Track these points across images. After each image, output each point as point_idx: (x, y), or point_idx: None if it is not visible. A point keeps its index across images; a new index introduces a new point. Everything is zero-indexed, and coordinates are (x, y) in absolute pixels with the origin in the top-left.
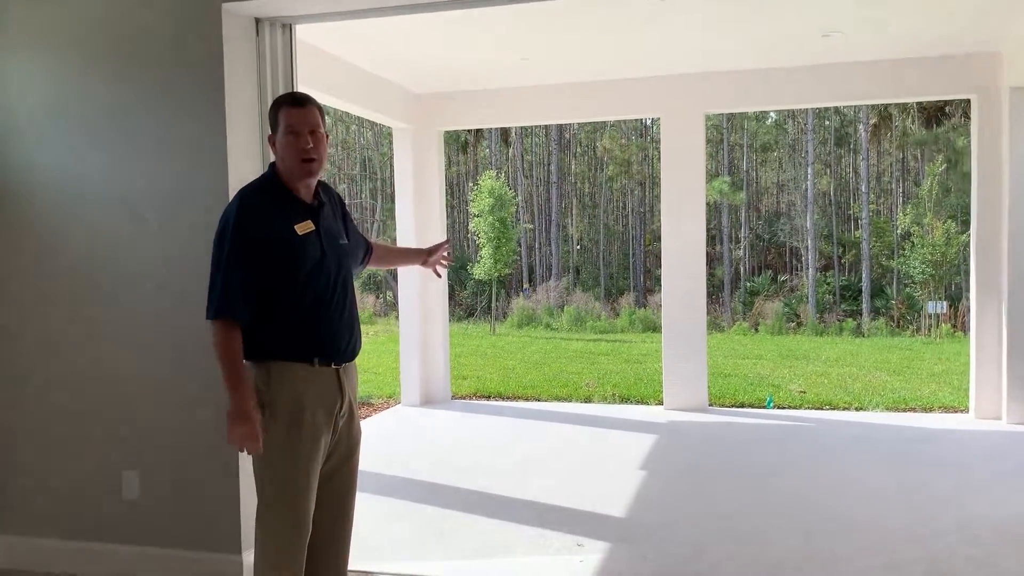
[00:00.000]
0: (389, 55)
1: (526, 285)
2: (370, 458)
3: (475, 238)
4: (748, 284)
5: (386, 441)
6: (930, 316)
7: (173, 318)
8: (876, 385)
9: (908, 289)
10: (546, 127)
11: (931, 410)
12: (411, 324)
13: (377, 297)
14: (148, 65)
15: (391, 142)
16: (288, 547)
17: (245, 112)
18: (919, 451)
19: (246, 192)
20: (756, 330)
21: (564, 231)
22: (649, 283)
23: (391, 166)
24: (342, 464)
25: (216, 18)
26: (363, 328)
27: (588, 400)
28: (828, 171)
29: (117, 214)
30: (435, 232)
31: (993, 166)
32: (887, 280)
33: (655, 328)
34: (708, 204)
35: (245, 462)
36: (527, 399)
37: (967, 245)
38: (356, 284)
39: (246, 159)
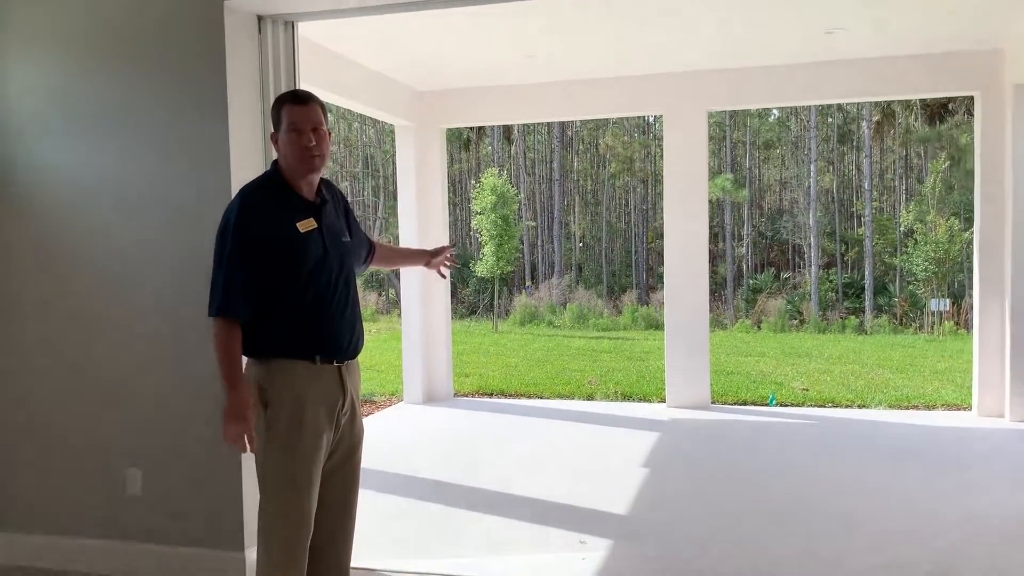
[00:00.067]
0: (391, 52)
1: (528, 283)
2: (373, 456)
3: (477, 235)
4: (751, 281)
5: (389, 439)
6: (933, 313)
7: (175, 315)
8: (879, 383)
9: (911, 286)
10: (548, 124)
11: (934, 408)
12: (413, 322)
13: (379, 295)
14: (150, 63)
15: (393, 139)
16: (290, 545)
17: (247, 110)
18: (922, 449)
19: (248, 190)
20: (759, 327)
21: (566, 228)
22: (651, 280)
23: (393, 163)
24: (344, 462)
25: (218, 15)
26: (365, 326)
27: (590, 398)
28: (831, 168)
29: (119, 213)
30: (437, 230)
31: (996, 163)
32: (890, 277)
33: (657, 325)
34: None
35: (248, 460)
36: (529, 397)
37: (970, 242)
38: (358, 282)
39: (248, 157)
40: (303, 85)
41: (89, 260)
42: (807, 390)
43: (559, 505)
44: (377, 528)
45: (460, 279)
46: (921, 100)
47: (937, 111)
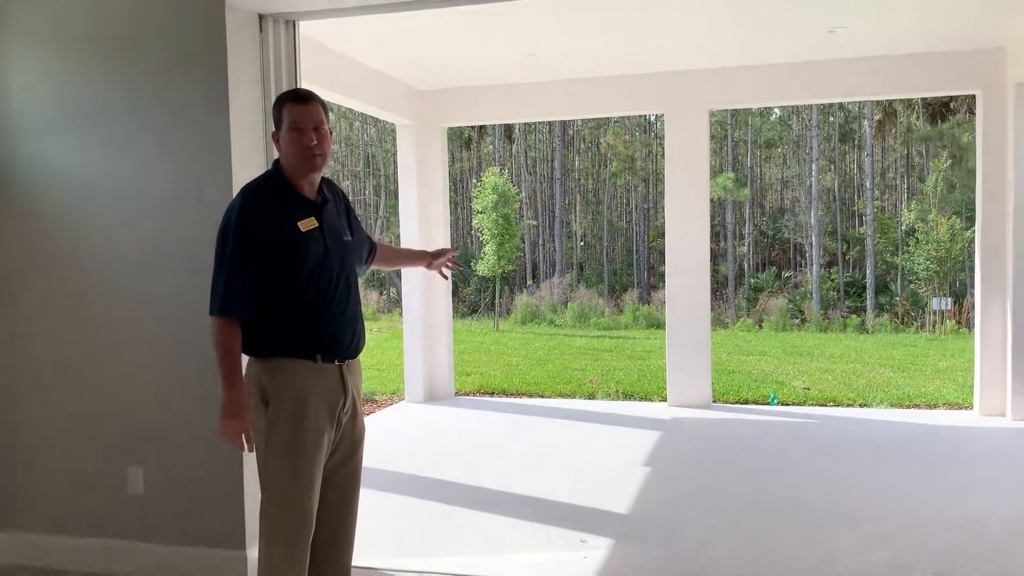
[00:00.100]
0: (392, 51)
1: (530, 282)
2: (374, 454)
3: (479, 234)
4: (752, 280)
5: (390, 437)
6: (934, 312)
7: (177, 314)
8: (880, 382)
9: (912, 285)
10: (549, 123)
11: (935, 407)
12: (415, 321)
13: (381, 294)
14: (151, 62)
15: (394, 138)
16: (292, 543)
17: (249, 109)
18: (923, 448)
19: (249, 189)
20: (760, 326)
21: (568, 227)
22: (653, 279)
23: (394, 162)
24: (346, 461)
25: (219, 14)
26: (367, 324)
27: (592, 397)
28: (832, 167)
29: (120, 212)
30: (439, 229)
31: (998, 162)
32: (891, 276)
33: (659, 324)
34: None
35: (249, 459)
36: (531, 396)
37: (972, 241)
38: (359, 281)
39: (250, 156)
40: (304, 84)
41: (90, 260)
42: (808, 389)
43: (560, 504)
44: (378, 527)
45: (461, 278)
46: (923, 99)
47: (939, 110)
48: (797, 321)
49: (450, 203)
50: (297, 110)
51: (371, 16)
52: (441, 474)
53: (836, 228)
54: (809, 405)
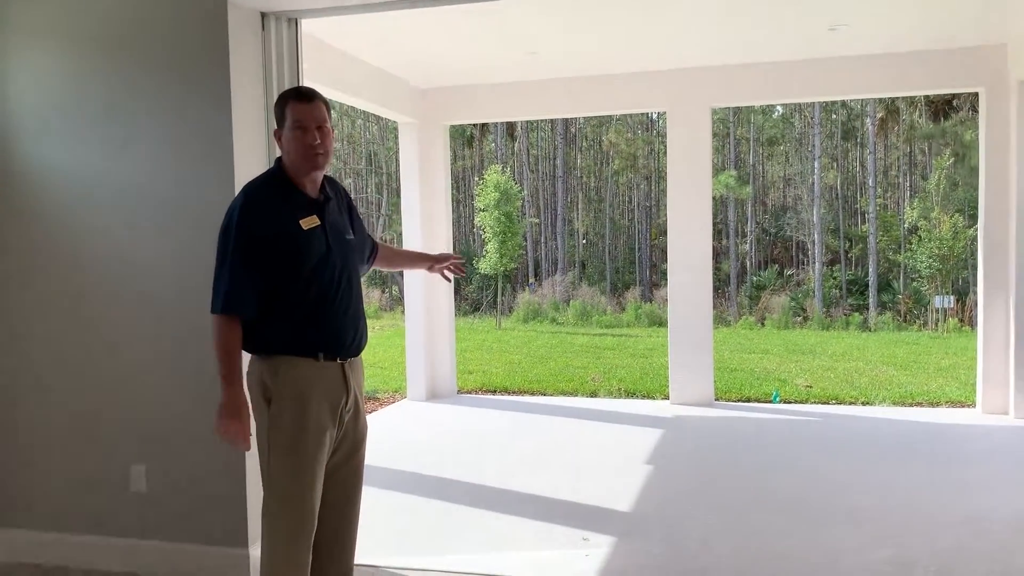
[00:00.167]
0: (394, 49)
1: (532, 279)
2: (376, 453)
3: (481, 232)
4: (754, 278)
5: (392, 436)
6: (937, 310)
7: (179, 312)
8: (883, 380)
9: (915, 283)
10: (552, 121)
11: (938, 405)
12: (417, 318)
13: (383, 292)
14: (152, 60)
15: (396, 137)
16: (294, 541)
17: (251, 107)
18: (925, 446)
19: (251, 187)
20: (762, 324)
21: (570, 225)
22: (655, 277)
23: (396, 161)
24: (348, 459)
25: (222, 12)
26: (369, 322)
27: (594, 395)
28: (835, 165)
29: (120, 211)
30: (441, 227)
31: (1001, 160)
32: (894, 274)
33: (661, 322)
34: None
35: (252, 457)
36: (533, 394)
37: (974, 239)
38: (362, 279)
39: (252, 154)
40: (306, 82)
41: (90, 260)
42: (811, 387)
43: (562, 502)
44: (381, 525)
45: (463, 276)
46: (925, 96)
47: (941, 107)
48: (799, 319)
49: (452, 201)
50: (300, 109)
51: (373, 14)
52: (443, 472)
53: (838, 226)
54: (811, 403)
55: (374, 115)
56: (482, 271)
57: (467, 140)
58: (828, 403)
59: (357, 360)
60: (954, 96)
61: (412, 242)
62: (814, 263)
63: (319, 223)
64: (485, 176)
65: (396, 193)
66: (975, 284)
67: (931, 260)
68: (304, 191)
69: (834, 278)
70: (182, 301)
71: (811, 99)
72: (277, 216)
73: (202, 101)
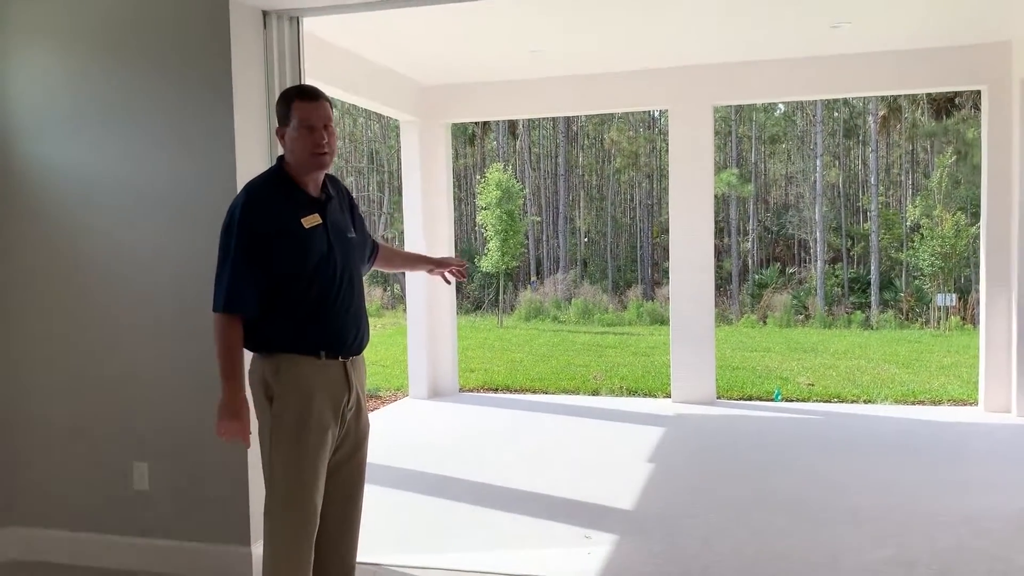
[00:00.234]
0: (396, 48)
1: (533, 278)
2: (378, 451)
3: (482, 231)
4: (756, 276)
5: (394, 434)
6: (939, 308)
7: (182, 310)
8: (884, 378)
9: (917, 281)
10: (553, 119)
11: (940, 403)
12: (419, 317)
13: (385, 290)
14: (154, 59)
15: (398, 135)
16: (296, 540)
17: (253, 105)
18: (927, 444)
19: (253, 186)
20: (764, 323)
21: (571, 224)
22: (657, 276)
23: (398, 159)
24: (350, 457)
25: (223, 11)
26: (371, 321)
27: (596, 393)
28: (837, 163)
29: (121, 210)
30: (443, 225)
31: (1003, 158)
32: (896, 272)
33: (663, 321)
34: (716, 196)
35: (254, 454)
36: (535, 392)
37: (977, 237)
38: (364, 276)
39: (254, 152)
40: (308, 80)
41: (90, 260)
42: (812, 385)
43: (564, 500)
44: (383, 522)
45: (466, 280)
46: (928, 95)
47: (944, 105)
48: (801, 317)
49: (454, 199)
50: (307, 108)
51: (374, 12)
52: (445, 470)
53: (840, 224)
54: (813, 401)
55: (376, 113)
56: (484, 269)
57: (469, 138)
58: (830, 401)
59: (359, 358)
60: (956, 94)
61: (414, 240)
62: (816, 261)
63: (321, 222)
64: (487, 174)
65: (398, 191)
66: (977, 282)
67: (933, 258)
68: (306, 190)
69: (836, 276)
70: (182, 300)
71: (813, 97)
72: (279, 214)
73: (203, 100)
